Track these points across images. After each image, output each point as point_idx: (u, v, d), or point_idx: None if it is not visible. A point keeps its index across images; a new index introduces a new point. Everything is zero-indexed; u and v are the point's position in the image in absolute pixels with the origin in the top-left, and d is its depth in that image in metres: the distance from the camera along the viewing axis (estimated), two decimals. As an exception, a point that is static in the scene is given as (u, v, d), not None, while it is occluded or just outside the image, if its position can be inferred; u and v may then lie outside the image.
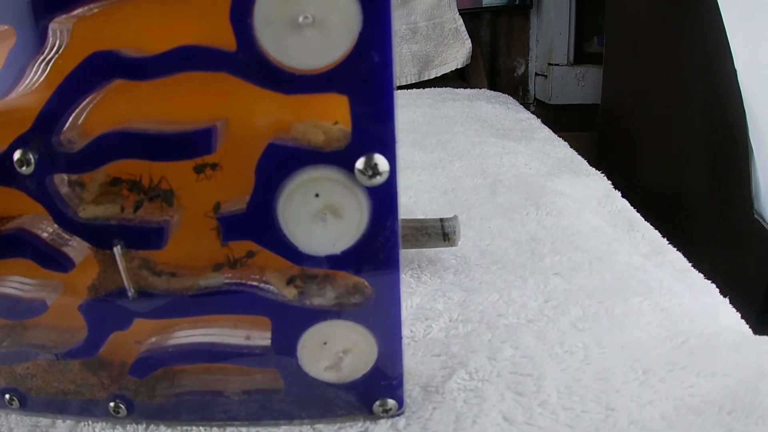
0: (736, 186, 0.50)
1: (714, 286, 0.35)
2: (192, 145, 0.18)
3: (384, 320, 0.21)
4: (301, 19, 0.16)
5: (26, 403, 0.24)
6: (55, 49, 0.19)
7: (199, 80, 0.18)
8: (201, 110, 0.19)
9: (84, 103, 0.19)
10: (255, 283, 0.20)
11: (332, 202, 0.18)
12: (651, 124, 0.62)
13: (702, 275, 0.36)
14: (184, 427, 0.23)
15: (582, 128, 0.73)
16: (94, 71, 0.18)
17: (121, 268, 0.20)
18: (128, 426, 0.23)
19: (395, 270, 0.20)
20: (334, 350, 0.21)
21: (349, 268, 0.20)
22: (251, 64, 0.17)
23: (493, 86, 0.88)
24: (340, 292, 0.20)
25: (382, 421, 0.22)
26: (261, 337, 0.22)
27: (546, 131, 0.62)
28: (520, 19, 0.83)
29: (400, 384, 0.22)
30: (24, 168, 0.19)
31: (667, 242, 0.40)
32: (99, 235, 0.20)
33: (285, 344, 0.21)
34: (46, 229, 0.22)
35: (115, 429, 0.23)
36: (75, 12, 0.18)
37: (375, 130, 0.18)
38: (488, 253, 0.36)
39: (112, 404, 0.23)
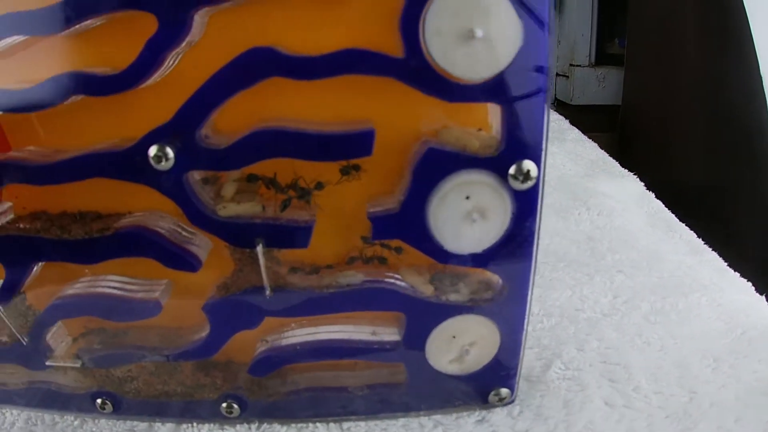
0: (759, 191, 0.53)
1: (750, 284, 0.37)
2: (351, 146, 0.19)
3: (511, 314, 0.22)
4: (477, 33, 0.17)
5: (121, 406, 0.24)
6: (189, 41, 0.18)
7: (353, 81, 0.18)
8: (351, 111, 0.19)
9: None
10: (391, 280, 0.21)
11: (481, 204, 0.19)
12: (673, 127, 0.65)
13: (738, 274, 0.38)
14: (299, 424, 0.23)
15: (602, 129, 0.76)
16: (252, 67, 0.18)
17: (262, 266, 0.21)
18: (238, 426, 0.24)
19: (528, 267, 0.21)
20: (462, 343, 0.22)
21: (489, 265, 0.21)
22: (418, 72, 0.18)
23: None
24: (474, 288, 0.21)
25: (498, 410, 0.24)
26: (386, 333, 0.23)
27: (576, 132, 0.65)
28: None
29: (515, 374, 0.24)
30: (162, 163, 0.19)
31: (703, 242, 0.43)
32: (239, 234, 0.20)
33: (416, 339, 0.22)
34: (165, 227, 0.21)
35: (223, 429, 0.23)
36: (222, 5, 0.18)
37: (526, 138, 0.19)
38: (551, 252, 0.38)
39: (224, 404, 0.23)
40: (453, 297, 0.21)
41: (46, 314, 0.23)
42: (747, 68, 0.51)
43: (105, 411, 0.24)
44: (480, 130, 0.20)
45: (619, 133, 0.75)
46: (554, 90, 0.88)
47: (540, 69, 0.18)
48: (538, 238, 0.21)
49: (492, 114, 0.19)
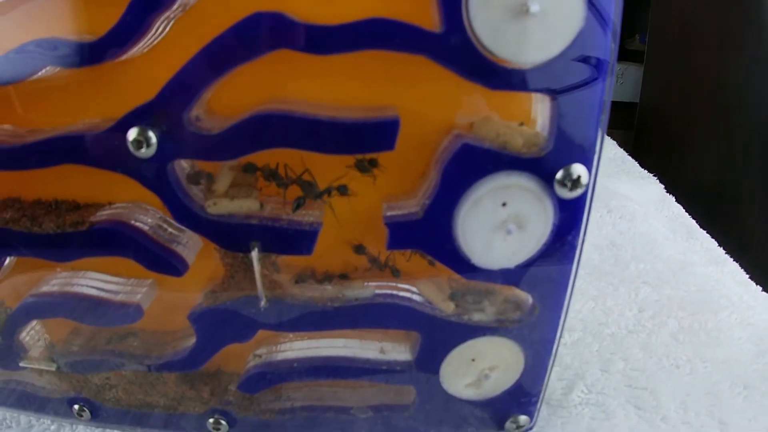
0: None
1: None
2: (371, 137, 0.16)
3: (540, 338, 0.19)
4: (532, 8, 0.14)
5: (99, 414, 0.22)
6: (183, 4, 0.15)
7: (378, 58, 0.15)
8: (372, 95, 0.16)
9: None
10: (406, 294, 0.19)
11: (519, 213, 0.17)
12: (690, 127, 0.62)
13: (760, 288, 0.36)
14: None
15: (618, 126, 0.73)
16: (255, 36, 0.15)
17: (257, 274, 0.18)
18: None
19: (565, 286, 0.18)
20: (481, 367, 0.20)
21: (521, 282, 0.18)
22: (458, 50, 0.15)
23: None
24: (500, 308, 0.19)
25: (515, 438, 0.21)
26: (397, 351, 0.20)
27: (593, 128, 0.61)
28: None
29: (537, 401, 0.21)
30: (143, 150, 0.16)
31: (724, 251, 0.41)
32: (232, 236, 0.17)
33: (431, 360, 0.19)
34: (147, 222, 0.18)
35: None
36: None
37: (579, 137, 0.16)
38: (572, 256, 0.35)
39: (211, 420, 0.21)
40: (477, 317, 0.19)
41: (18, 312, 0.20)
42: (767, 70, 0.48)
43: (83, 418, 0.22)
44: (522, 124, 0.17)
45: (635, 131, 0.72)
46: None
47: (600, 56, 0.15)
48: (580, 255, 0.18)
49: (538, 107, 0.16)
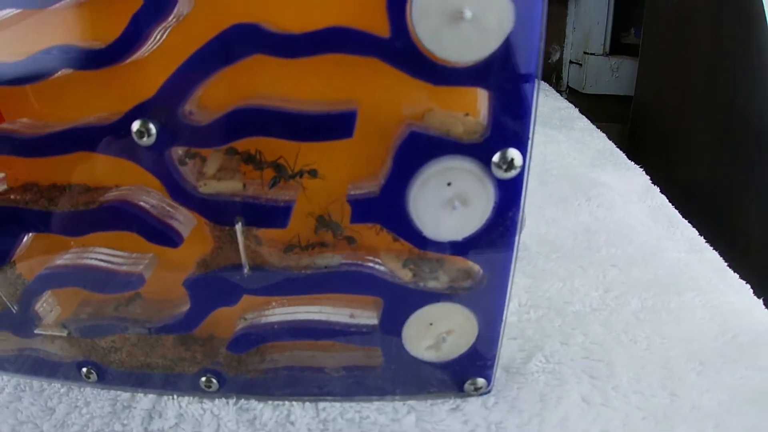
0: (766, 191, 0.52)
1: (749, 287, 0.36)
2: (334, 127, 0.19)
3: (490, 304, 0.22)
4: (465, 14, 0.16)
5: (105, 376, 0.25)
6: (177, 15, 0.18)
7: (338, 61, 0.18)
8: (335, 93, 0.19)
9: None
10: (371, 264, 0.21)
11: (463, 192, 0.19)
12: (684, 121, 0.63)
13: (738, 275, 0.37)
14: (276, 402, 0.24)
15: (613, 119, 0.74)
16: (235, 44, 0.18)
17: (240, 245, 0.21)
18: (216, 400, 0.24)
19: (510, 257, 0.21)
20: (438, 331, 0.22)
21: (468, 253, 0.20)
22: (404, 53, 0.17)
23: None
24: (453, 276, 0.21)
25: (472, 399, 0.24)
26: (364, 316, 0.23)
27: (585, 121, 0.63)
28: (558, 6, 0.83)
29: (493, 365, 0.23)
30: (144, 139, 0.19)
31: (704, 240, 0.42)
32: (219, 212, 0.20)
33: (393, 324, 0.22)
34: (149, 202, 0.22)
35: (203, 402, 0.24)
36: None
37: (513, 125, 0.18)
38: (547, 241, 0.37)
39: (203, 378, 0.24)
40: (431, 284, 0.21)
41: (34, 284, 0.23)
42: (761, 67, 0.49)
43: (90, 380, 0.25)
44: (467, 114, 0.19)
45: (630, 124, 0.74)
46: (567, 77, 0.86)
47: (530, 55, 0.17)
48: (521, 229, 0.20)
49: (481, 99, 0.19)
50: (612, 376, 0.26)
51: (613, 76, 0.78)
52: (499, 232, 0.20)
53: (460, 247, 0.20)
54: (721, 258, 0.38)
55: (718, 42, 0.58)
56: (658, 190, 0.49)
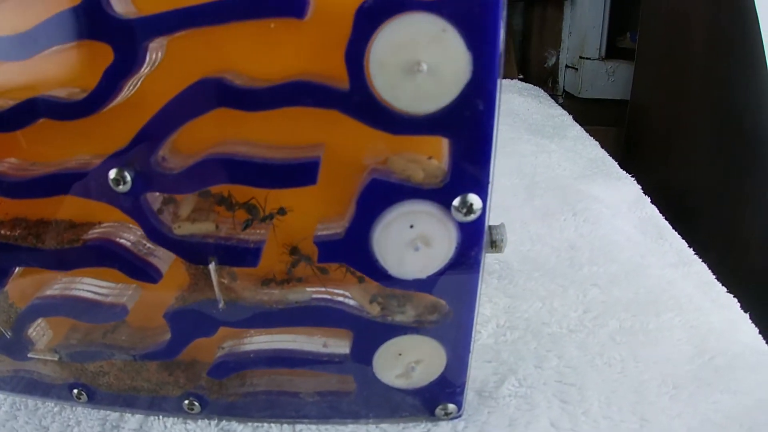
0: (765, 197, 0.51)
1: (736, 300, 0.36)
2: (298, 175, 0.19)
3: (457, 336, 0.22)
4: (421, 67, 0.17)
5: (95, 397, 0.26)
6: (148, 66, 0.19)
7: (298, 112, 0.19)
8: (302, 138, 0.20)
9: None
10: (340, 299, 0.22)
11: (425, 233, 0.20)
12: (680, 126, 0.63)
13: (725, 288, 0.38)
14: (255, 424, 0.25)
15: (609, 123, 0.74)
16: (201, 97, 0.19)
17: (214, 282, 0.22)
18: (199, 421, 0.25)
19: (474, 293, 0.21)
20: (407, 360, 0.23)
21: (433, 290, 0.21)
22: (363, 105, 0.18)
23: (523, 76, 0.88)
24: (420, 311, 0.22)
25: (443, 423, 0.25)
26: (337, 345, 0.24)
27: (578, 129, 0.63)
28: (554, 10, 0.82)
29: (462, 391, 0.24)
30: (120, 186, 0.20)
31: (693, 252, 0.42)
32: (193, 252, 0.21)
33: (363, 354, 0.23)
34: (129, 239, 0.22)
35: (186, 423, 0.25)
36: (177, 33, 0.18)
37: (472, 170, 0.19)
38: (530, 259, 0.38)
39: (186, 402, 0.25)
40: (399, 318, 0.22)
41: (26, 312, 0.24)
42: (756, 71, 0.48)
43: (81, 401, 0.26)
44: (431, 158, 0.20)
45: (626, 128, 0.73)
46: (563, 82, 0.85)
47: (488, 103, 0.18)
48: (484, 267, 0.21)
49: (444, 142, 0.19)
50: (583, 400, 0.26)
51: (609, 80, 0.78)
52: (463, 270, 0.21)
53: (425, 285, 0.21)
54: (716, 263, 0.38)
55: (713, 46, 0.58)
56: (648, 200, 0.49)
